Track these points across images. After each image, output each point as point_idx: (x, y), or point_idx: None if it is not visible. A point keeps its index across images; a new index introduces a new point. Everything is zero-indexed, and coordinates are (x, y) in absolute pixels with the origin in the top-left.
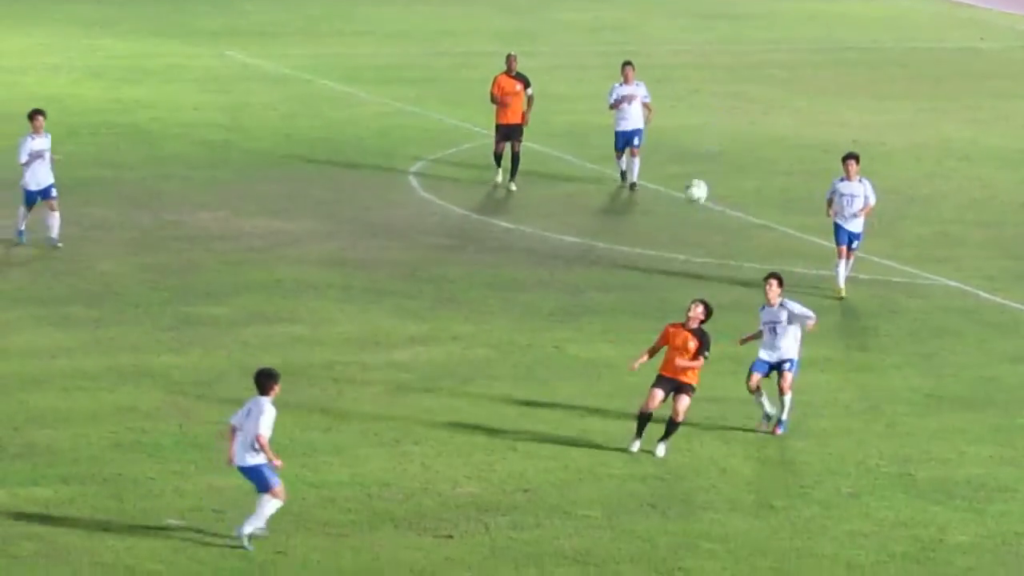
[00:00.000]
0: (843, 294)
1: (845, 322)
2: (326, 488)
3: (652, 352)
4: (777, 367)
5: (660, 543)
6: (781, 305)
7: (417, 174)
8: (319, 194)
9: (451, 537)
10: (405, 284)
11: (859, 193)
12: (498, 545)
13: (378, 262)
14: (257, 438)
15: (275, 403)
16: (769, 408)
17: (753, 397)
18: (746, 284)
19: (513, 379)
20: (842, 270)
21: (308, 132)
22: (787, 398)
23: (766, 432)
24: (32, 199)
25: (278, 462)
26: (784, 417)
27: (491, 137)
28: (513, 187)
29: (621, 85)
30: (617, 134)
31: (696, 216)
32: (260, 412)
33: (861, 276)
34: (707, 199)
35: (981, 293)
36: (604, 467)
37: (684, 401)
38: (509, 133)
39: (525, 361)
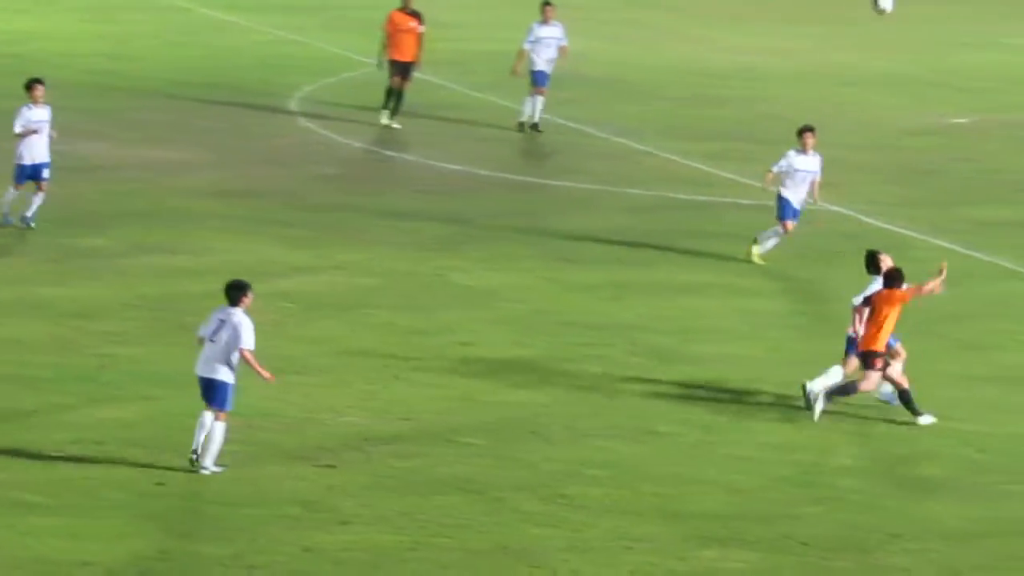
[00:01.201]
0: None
1: (729, 248)
2: None
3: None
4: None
5: (543, 469)
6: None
7: (300, 102)
8: (202, 124)
9: (334, 467)
10: (288, 213)
11: (814, 168)
12: (381, 473)
13: (261, 191)
14: (242, 352)
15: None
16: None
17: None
18: (632, 210)
19: (396, 307)
20: (775, 239)
21: (191, 62)
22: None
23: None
24: (24, 175)
25: (269, 375)
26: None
27: (372, 65)
28: (396, 125)
29: (540, 25)
30: (534, 73)
31: (580, 142)
32: (238, 325)
33: (744, 202)
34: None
35: (863, 217)
36: (487, 395)
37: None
38: (402, 70)
39: (408, 289)
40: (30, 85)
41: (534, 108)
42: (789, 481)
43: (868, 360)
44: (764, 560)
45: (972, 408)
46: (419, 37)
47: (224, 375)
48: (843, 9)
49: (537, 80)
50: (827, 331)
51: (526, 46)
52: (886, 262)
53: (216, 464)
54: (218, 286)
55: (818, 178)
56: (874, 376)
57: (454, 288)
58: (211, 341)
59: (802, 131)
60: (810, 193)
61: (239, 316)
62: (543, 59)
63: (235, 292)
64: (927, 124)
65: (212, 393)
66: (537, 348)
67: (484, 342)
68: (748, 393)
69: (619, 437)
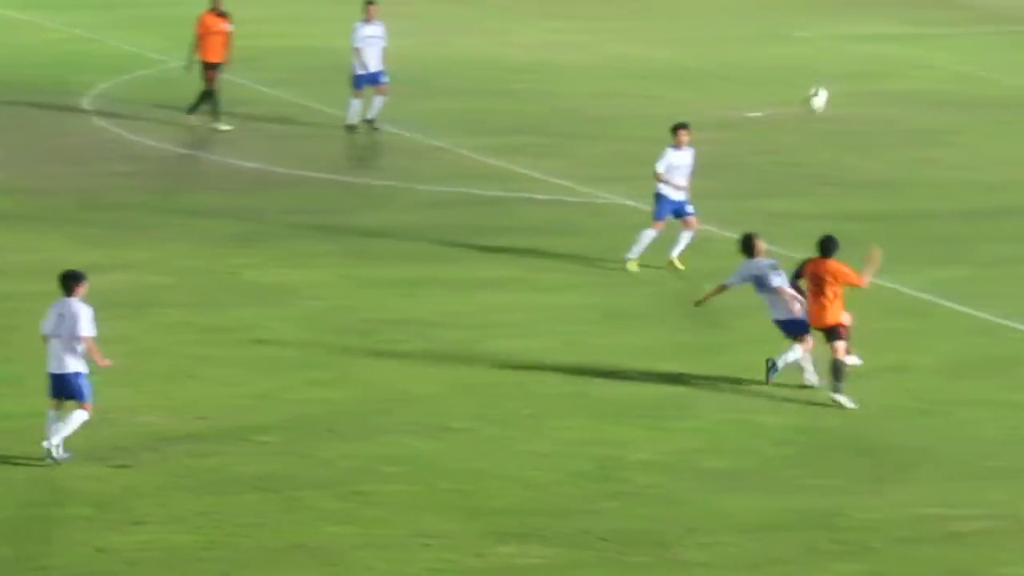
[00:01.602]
0: (679, 265)
1: (524, 242)
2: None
3: None
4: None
5: (339, 467)
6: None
7: (94, 100)
8: None
9: (128, 466)
10: (81, 212)
11: (689, 162)
12: (176, 473)
13: (52, 190)
14: (84, 340)
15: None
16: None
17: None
18: (429, 206)
19: (191, 305)
20: (646, 242)
21: None
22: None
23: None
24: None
25: (106, 362)
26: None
27: (168, 64)
28: (225, 127)
29: (364, 24)
30: (358, 76)
31: (374, 139)
32: (76, 314)
33: (539, 197)
34: (393, 125)
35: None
36: (283, 392)
37: None
38: (213, 71)
39: (203, 287)
40: None
41: (371, 107)
42: (586, 476)
43: (833, 333)
44: (562, 555)
45: (769, 400)
46: (228, 37)
47: (75, 366)
48: (635, 4)
49: (369, 80)
50: (623, 325)
51: (358, 45)
52: (761, 245)
53: (65, 450)
54: (12, 287)
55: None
56: (841, 345)
57: (249, 285)
58: (55, 336)
59: (676, 128)
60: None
61: (76, 305)
62: (374, 58)
63: (70, 282)
64: (722, 117)
65: (67, 388)
66: (333, 345)
67: (280, 339)
68: (545, 388)
69: (415, 433)
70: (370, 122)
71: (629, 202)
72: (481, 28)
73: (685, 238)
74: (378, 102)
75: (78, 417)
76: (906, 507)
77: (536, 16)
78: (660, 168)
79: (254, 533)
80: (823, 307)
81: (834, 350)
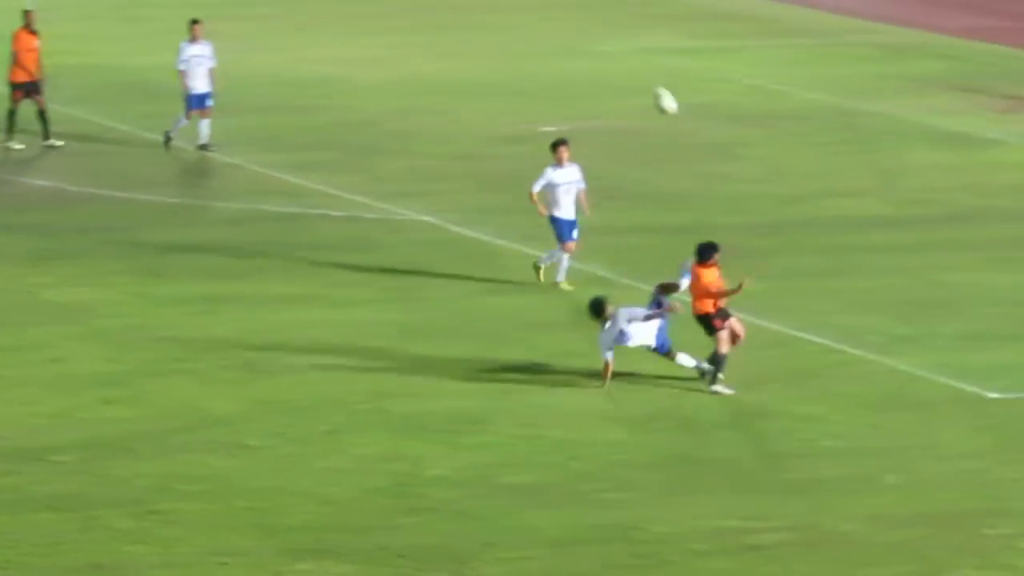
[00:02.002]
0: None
1: (321, 258)
2: None
3: None
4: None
5: (136, 485)
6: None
7: None
8: None
9: None
10: None
11: (574, 178)
12: None
13: None
14: None
15: None
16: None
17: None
18: (225, 223)
19: None
20: (566, 264)
21: None
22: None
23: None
24: None
25: None
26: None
27: None
28: (58, 143)
29: (190, 44)
30: (190, 97)
31: (168, 157)
32: None
33: (335, 213)
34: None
35: (453, 227)
36: (79, 411)
37: None
38: (31, 90)
39: None
40: None
41: (199, 131)
42: (383, 492)
43: (707, 323)
44: (359, 572)
45: (564, 415)
46: (39, 55)
47: None
48: (428, 18)
49: (195, 103)
50: (420, 341)
51: (182, 67)
52: (609, 310)
53: None
54: None
55: (582, 187)
56: (723, 335)
57: (44, 304)
58: None
59: (555, 145)
60: (579, 205)
61: None
62: (200, 79)
63: None
64: (517, 132)
65: None
66: (129, 363)
67: (75, 358)
68: (343, 404)
69: (212, 451)
70: (204, 147)
71: (426, 218)
72: (274, 46)
73: (556, 260)
74: (204, 125)
75: None
76: (704, 520)
77: (332, 33)
78: (535, 188)
79: (50, 553)
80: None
81: (718, 341)
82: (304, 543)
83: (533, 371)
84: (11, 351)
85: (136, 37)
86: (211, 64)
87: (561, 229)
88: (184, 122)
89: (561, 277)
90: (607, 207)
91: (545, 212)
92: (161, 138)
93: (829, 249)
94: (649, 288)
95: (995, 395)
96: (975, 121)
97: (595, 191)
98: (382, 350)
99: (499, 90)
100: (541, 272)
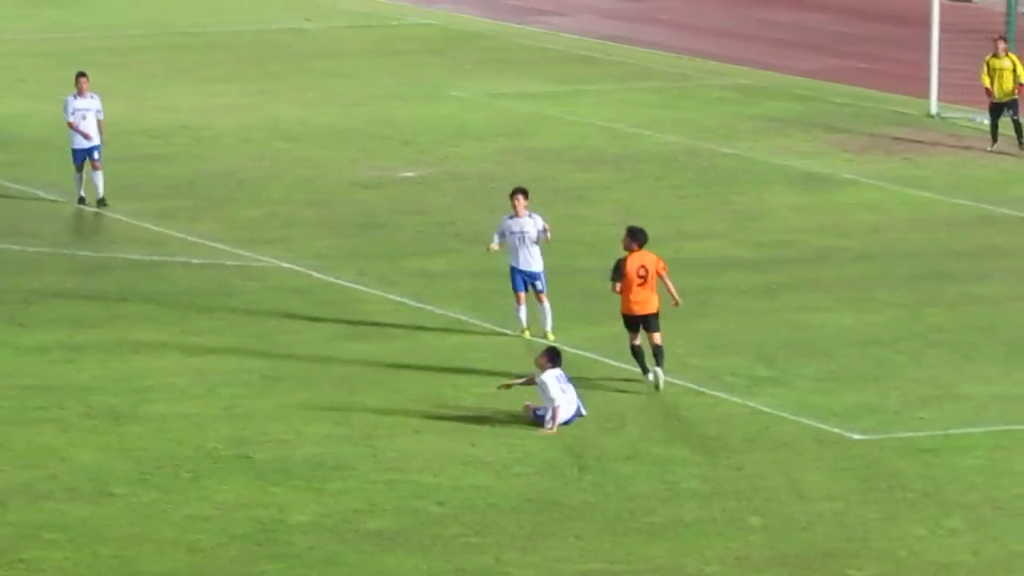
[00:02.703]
0: (550, 336)
1: (181, 305)
2: None
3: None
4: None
5: (0, 535)
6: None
7: None
8: None
9: None
10: None
11: (531, 228)
12: None
13: None
14: None
15: None
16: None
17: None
18: (83, 271)
19: None
20: (523, 315)
21: None
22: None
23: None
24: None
25: None
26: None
27: None
28: None
29: (76, 98)
30: (75, 151)
31: (27, 205)
32: None
33: (195, 261)
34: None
35: (313, 273)
36: None
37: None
38: None
39: None
40: None
41: (94, 185)
42: (248, 539)
43: (655, 321)
44: None
45: (427, 460)
46: None
47: None
48: (280, 65)
49: (87, 154)
50: (280, 386)
51: (70, 119)
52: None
53: None
54: None
55: (547, 236)
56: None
57: None
58: None
59: (513, 194)
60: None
61: None
62: (88, 131)
63: None
64: (375, 178)
65: None
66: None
67: None
68: (205, 451)
69: (76, 499)
70: (100, 201)
71: (285, 264)
72: (126, 94)
73: (523, 313)
74: (97, 177)
75: None
76: (567, 563)
77: (183, 81)
78: (495, 243)
79: None
80: (650, 295)
81: (656, 338)
82: None
83: (396, 415)
84: None
85: None
86: (99, 116)
87: (515, 280)
88: (79, 176)
89: (524, 323)
90: (465, 251)
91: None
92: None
93: (687, 291)
94: (506, 332)
95: (857, 436)
96: (830, 161)
97: (452, 236)
98: (244, 396)
99: (354, 135)
100: (526, 332)
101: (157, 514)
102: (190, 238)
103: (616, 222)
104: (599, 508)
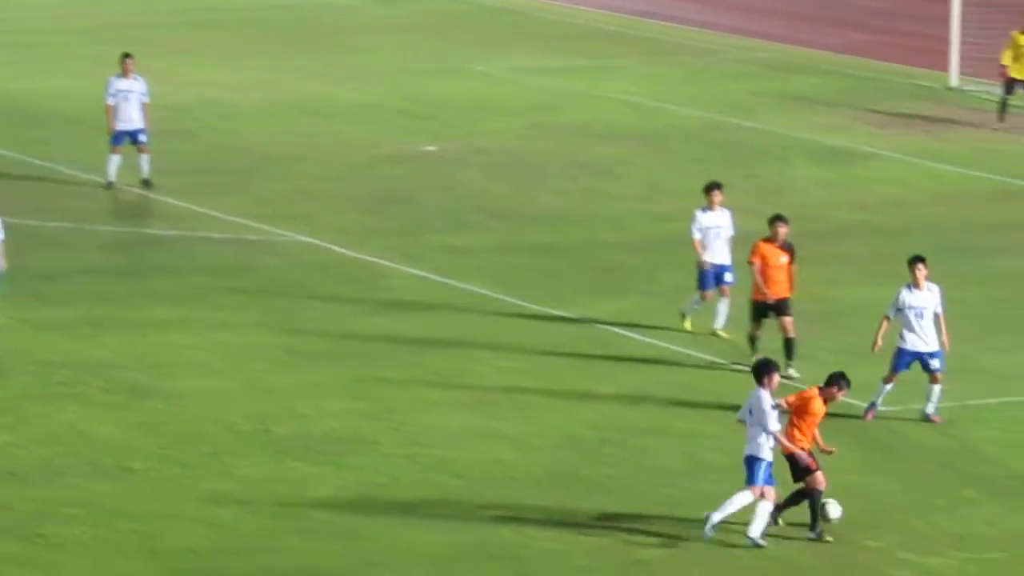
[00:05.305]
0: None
1: (203, 281)
2: None
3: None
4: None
5: (20, 510)
6: (928, 289)
7: None
8: None
9: None
10: None
11: (725, 223)
12: None
13: None
14: None
15: None
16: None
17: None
18: (106, 247)
19: None
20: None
21: None
22: (938, 388)
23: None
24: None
25: None
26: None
27: None
28: None
29: (118, 78)
30: (117, 133)
31: (50, 181)
32: None
33: (217, 236)
34: None
35: (336, 248)
36: None
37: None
38: None
39: None
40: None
41: (140, 166)
42: (268, 514)
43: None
44: None
45: (448, 435)
46: None
47: None
48: (305, 41)
49: (129, 137)
50: (303, 362)
51: (109, 101)
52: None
53: None
54: None
55: (731, 233)
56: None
57: None
58: None
59: (708, 188)
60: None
61: None
62: (132, 114)
63: None
64: (397, 153)
65: None
66: (12, 388)
67: None
68: (226, 426)
69: (96, 475)
70: (146, 182)
71: (308, 239)
72: (155, 70)
73: (723, 307)
74: (144, 160)
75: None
76: (589, 536)
77: (211, 57)
78: (696, 236)
79: None
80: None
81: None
82: (189, 566)
83: (417, 390)
84: None
85: (17, 63)
86: (144, 99)
87: (703, 277)
88: (116, 160)
89: (718, 324)
90: (489, 227)
91: (703, 258)
92: (48, 164)
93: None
94: (527, 304)
95: (881, 408)
96: (853, 136)
97: (474, 211)
98: (266, 372)
99: (378, 111)
100: (687, 321)
101: (178, 489)
102: (213, 213)
103: (640, 196)
104: (620, 481)
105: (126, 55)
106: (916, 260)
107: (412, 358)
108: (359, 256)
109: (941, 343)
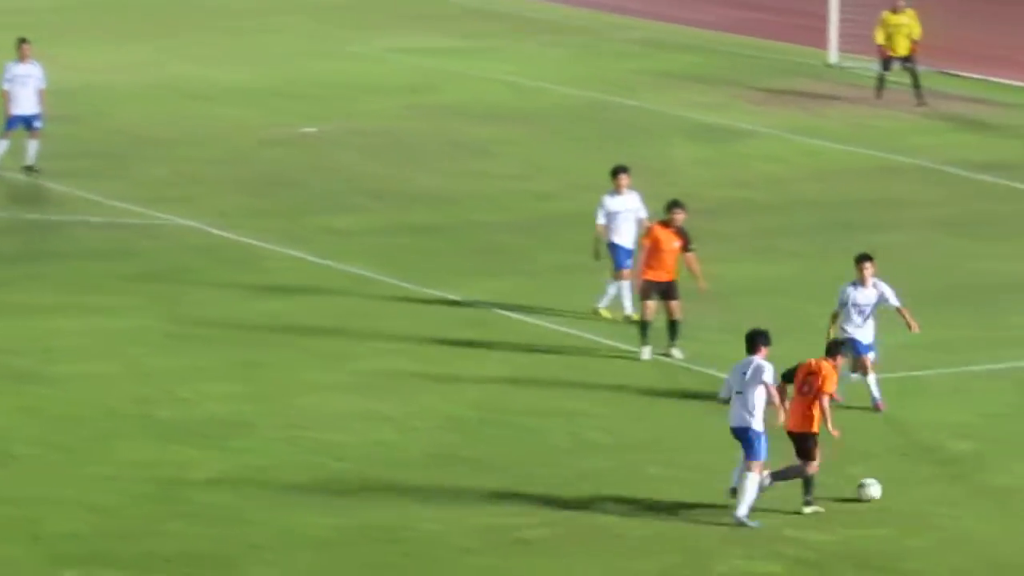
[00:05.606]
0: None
1: (83, 265)
2: None
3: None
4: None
5: None
6: (874, 286)
7: None
8: None
9: None
10: None
11: (634, 206)
12: None
13: None
14: None
15: None
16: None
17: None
18: None
19: None
20: (615, 291)
21: None
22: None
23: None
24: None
25: None
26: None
27: None
28: None
29: (16, 63)
30: (12, 118)
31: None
32: None
33: (95, 219)
34: None
35: (217, 231)
36: None
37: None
38: None
39: None
40: None
41: (26, 152)
42: (150, 498)
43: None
44: None
45: (330, 417)
46: None
47: None
48: (183, 23)
49: (23, 122)
50: (183, 346)
51: (6, 86)
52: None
53: None
54: None
55: (643, 215)
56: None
57: None
58: None
59: (615, 172)
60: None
61: None
62: (27, 100)
63: None
64: (277, 135)
65: None
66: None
67: None
68: (108, 410)
69: None
70: (29, 168)
71: (188, 222)
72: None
73: (616, 290)
74: (32, 146)
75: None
76: (473, 517)
77: (87, 39)
78: (600, 221)
79: None
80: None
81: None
82: (72, 550)
83: (299, 373)
84: None
85: None
86: (40, 85)
87: (618, 255)
88: (4, 144)
89: (603, 303)
90: (369, 208)
91: (605, 239)
92: None
93: (588, 245)
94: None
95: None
96: (731, 113)
97: (355, 192)
98: (147, 356)
99: (258, 94)
100: (603, 312)
101: (60, 474)
102: (95, 197)
103: (520, 176)
104: (503, 461)
105: (22, 40)
106: (863, 258)
107: (293, 341)
108: (240, 239)
109: (907, 327)
